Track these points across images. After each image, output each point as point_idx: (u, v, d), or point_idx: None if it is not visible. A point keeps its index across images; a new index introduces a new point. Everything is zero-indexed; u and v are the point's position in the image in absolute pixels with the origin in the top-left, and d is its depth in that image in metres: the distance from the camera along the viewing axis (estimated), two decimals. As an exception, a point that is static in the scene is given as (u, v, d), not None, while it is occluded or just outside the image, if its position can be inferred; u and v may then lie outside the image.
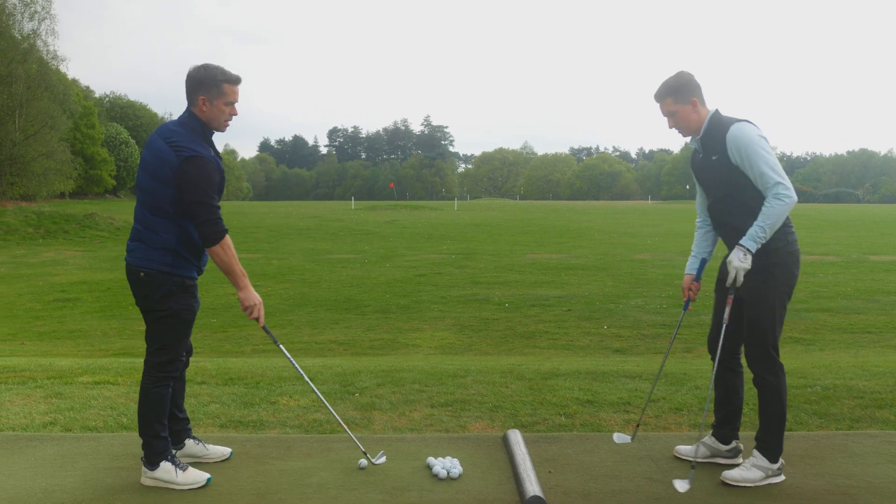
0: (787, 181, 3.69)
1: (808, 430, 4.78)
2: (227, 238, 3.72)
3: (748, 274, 3.77)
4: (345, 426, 4.09)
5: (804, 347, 10.17)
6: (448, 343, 11.00)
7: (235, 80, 3.77)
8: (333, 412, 4.12)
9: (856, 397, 5.52)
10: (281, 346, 4.03)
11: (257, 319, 3.87)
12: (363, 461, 4.01)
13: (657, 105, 4.02)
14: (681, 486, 3.56)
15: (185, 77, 3.76)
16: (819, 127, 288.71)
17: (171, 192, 3.66)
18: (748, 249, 3.70)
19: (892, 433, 4.66)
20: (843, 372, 6.46)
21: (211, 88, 3.71)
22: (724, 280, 3.92)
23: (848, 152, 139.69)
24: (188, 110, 3.78)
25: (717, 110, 3.96)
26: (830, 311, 12.88)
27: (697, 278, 4.21)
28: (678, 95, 3.91)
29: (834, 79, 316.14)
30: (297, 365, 4.10)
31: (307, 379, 4.12)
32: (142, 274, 3.75)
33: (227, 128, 3.85)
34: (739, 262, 3.71)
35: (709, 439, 4.21)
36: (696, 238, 4.30)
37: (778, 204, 3.65)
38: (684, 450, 4.28)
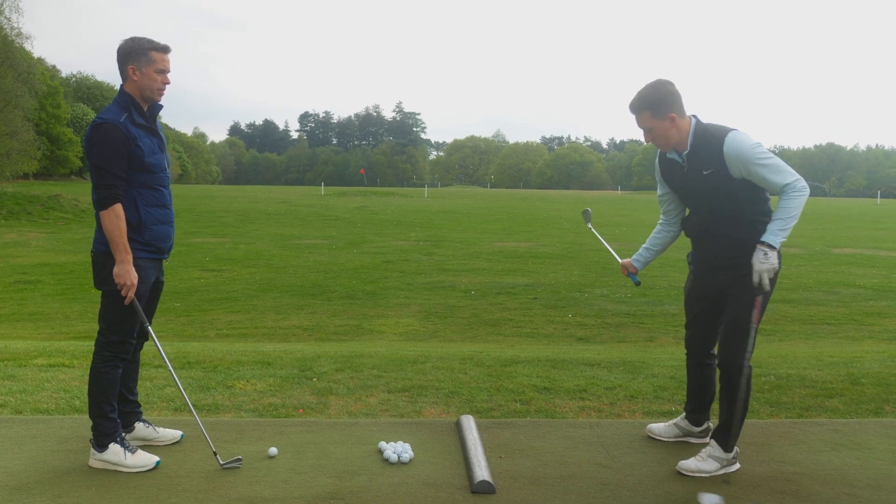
0: (794, 176, 3.59)
1: (758, 419, 4.85)
2: (118, 207, 3.64)
3: (736, 270, 3.76)
4: (196, 417, 3.97)
5: (764, 337, 10.31)
6: (413, 330, 11.01)
7: (164, 49, 3.79)
8: (188, 400, 4.04)
9: (807, 386, 5.60)
10: (149, 327, 3.94)
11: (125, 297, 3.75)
12: (273, 449, 3.98)
13: (633, 116, 3.84)
14: (708, 499, 3.44)
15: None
16: (786, 121, 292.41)
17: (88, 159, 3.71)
18: (771, 246, 3.57)
19: (838, 421, 4.74)
20: (798, 362, 6.57)
21: (140, 57, 3.72)
22: (702, 295, 4.03)
23: (815, 146, 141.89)
24: (120, 88, 3.81)
25: (697, 120, 3.81)
26: (792, 303, 13.08)
27: (631, 275, 4.37)
28: (655, 110, 3.73)
29: (802, 73, 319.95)
30: (161, 349, 4.00)
31: (169, 366, 4.03)
32: (91, 255, 3.82)
33: (162, 96, 3.83)
34: (761, 263, 3.57)
35: (682, 421, 4.34)
36: (654, 232, 4.31)
37: (796, 197, 3.57)
38: (657, 429, 4.38)
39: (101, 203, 3.64)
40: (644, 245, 4.36)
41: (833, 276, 16.86)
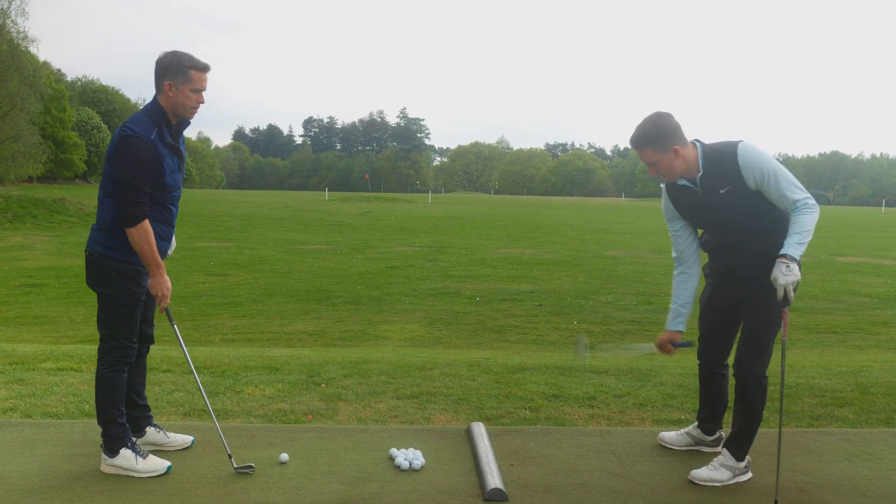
0: (806, 193, 3.60)
1: (768, 428, 4.83)
2: (146, 223, 3.66)
3: (754, 282, 3.74)
4: (214, 419, 4.04)
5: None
6: (418, 336, 11.00)
7: (203, 68, 3.76)
8: (209, 405, 4.10)
9: (817, 395, 5.59)
10: (174, 325, 4.03)
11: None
12: (284, 455, 3.98)
13: (636, 151, 3.79)
14: None
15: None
16: (791, 129, 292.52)
17: (112, 169, 3.68)
18: (792, 258, 3.49)
19: (849, 431, 4.74)
20: (807, 371, 6.55)
21: (178, 74, 3.70)
22: (719, 306, 4.00)
23: (819, 154, 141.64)
24: (153, 98, 3.78)
25: (702, 144, 3.79)
26: (797, 311, 13.03)
27: (676, 346, 4.06)
28: (657, 145, 3.68)
29: (806, 81, 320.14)
30: (185, 350, 4.10)
31: (192, 368, 4.14)
32: (86, 253, 3.82)
33: (195, 115, 3.83)
34: (784, 275, 3.49)
35: (694, 430, 4.33)
36: (676, 283, 4.09)
37: (809, 213, 3.57)
38: (668, 437, 4.37)
39: (130, 220, 3.62)
40: (672, 306, 4.09)
41: (838, 284, 16.82)
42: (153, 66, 3.74)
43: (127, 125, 3.66)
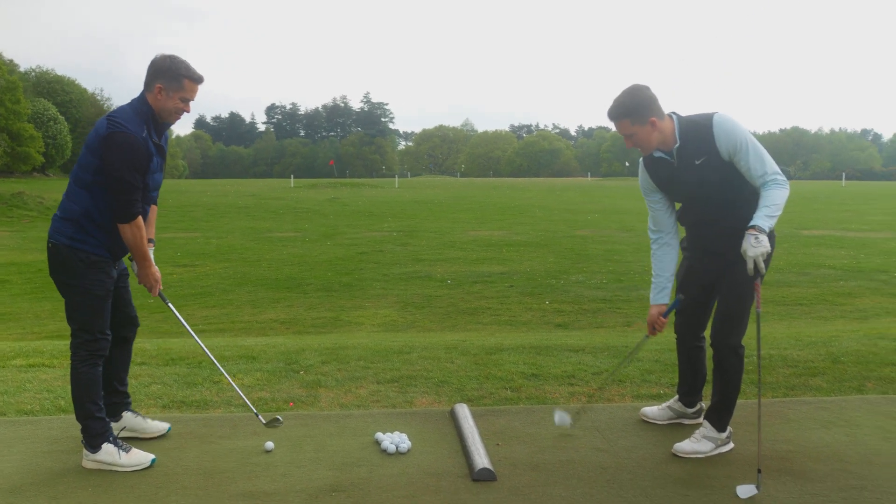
0: (777, 169, 3.64)
1: (746, 399, 4.91)
2: (139, 220, 3.69)
3: (731, 255, 3.69)
4: (234, 384, 4.21)
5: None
6: (391, 320, 10.99)
7: (198, 80, 3.74)
8: (224, 371, 4.26)
9: (790, 366, 5.70)
10: (170, 304, 4.17)
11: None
12: (269, 443, 3.97)
13: (612, 123, 3.80)
14: (744, 491, 3.41)
15: (148, 63, 3.73)
16: (753, 105, 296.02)
17: (95, 161, 3.61)
18: (761, 230, 3.47)
19: (824, 399, 4.84)
20: (778, 342, 6.66)
21: (172, 80, 3.66)
22: (697, 281, 4.04)
23: (780, 130, 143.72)
24: (141, 95, 3.73)
25: (679, 116, 3.80)
26: (764, 284, 13.04)
27: (666, 314, 4.05)
28: (635, 117, 3.69)
29: (767, 57, 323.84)
30: (191, 331, 4.22)
31: (205, 349, 4.27)
32: (49, 245, 3.75)
33: (177, 120, 3.81)
34: (754, 247, 3.45)
35: (675, 404, 4.40)
36: (656, 257, 4.10)
37: (779, 188, 3.60)
38: (650, 412, 4.42)
39: (126, 217, 3.63)
40: (656, 280, 4.10)
41: (803, 257, 17.12)
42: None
43: (116, 121, 3.59)
